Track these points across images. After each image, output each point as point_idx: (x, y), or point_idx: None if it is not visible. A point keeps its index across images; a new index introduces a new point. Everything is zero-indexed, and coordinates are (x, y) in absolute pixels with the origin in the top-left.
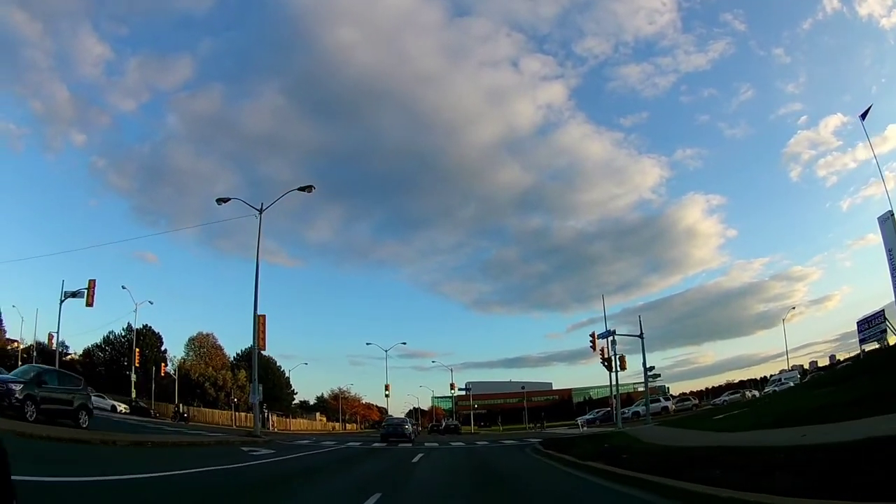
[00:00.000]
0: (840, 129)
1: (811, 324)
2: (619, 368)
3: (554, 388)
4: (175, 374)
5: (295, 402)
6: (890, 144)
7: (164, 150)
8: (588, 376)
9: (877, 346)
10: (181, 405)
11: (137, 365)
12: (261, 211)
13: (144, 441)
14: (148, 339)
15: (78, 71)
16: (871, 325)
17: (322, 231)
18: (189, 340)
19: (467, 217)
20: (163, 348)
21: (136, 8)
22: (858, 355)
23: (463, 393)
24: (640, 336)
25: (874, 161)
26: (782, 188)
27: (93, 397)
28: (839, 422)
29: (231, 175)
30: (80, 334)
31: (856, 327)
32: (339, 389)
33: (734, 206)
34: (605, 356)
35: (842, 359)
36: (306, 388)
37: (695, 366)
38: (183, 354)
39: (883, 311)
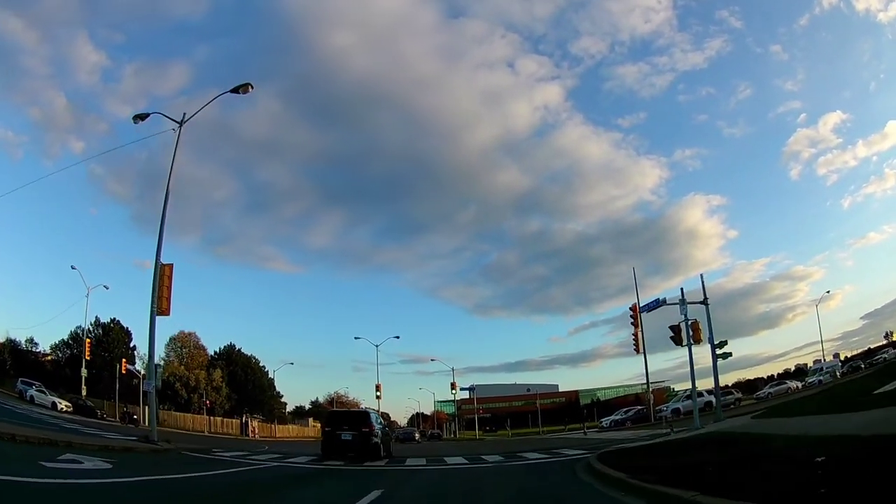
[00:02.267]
0: (840, 126)
1: (813, 323)
2: (691, 340)
3: (560, 390)
4: (141, 374)
5: (289, 407)
6: (890, 141)
7: (162, 158)
8: (592, 378)
9: None
10: (129, 406)
11: (89, 358)
12: (181, 123)
13: None
14: (115, 335)
15: (75, 78)
16: None
17: (322, 236)
18: (170, 340)
19: (466, 221)
20: (132, 345)
21: (132, 15)
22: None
23: (466, 396)
24: (704, 302)
25: (874, 159)
26: (783, 187)
27: (34, 393)
28: None
29: (230, 181)
30: (45, 323)
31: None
32: (336, 394)
33: (735, 206)
34: (639, 340)
35: (847, 356)
36: (307, 395)
37: (698, 367)
38: (163, 354)
39: None
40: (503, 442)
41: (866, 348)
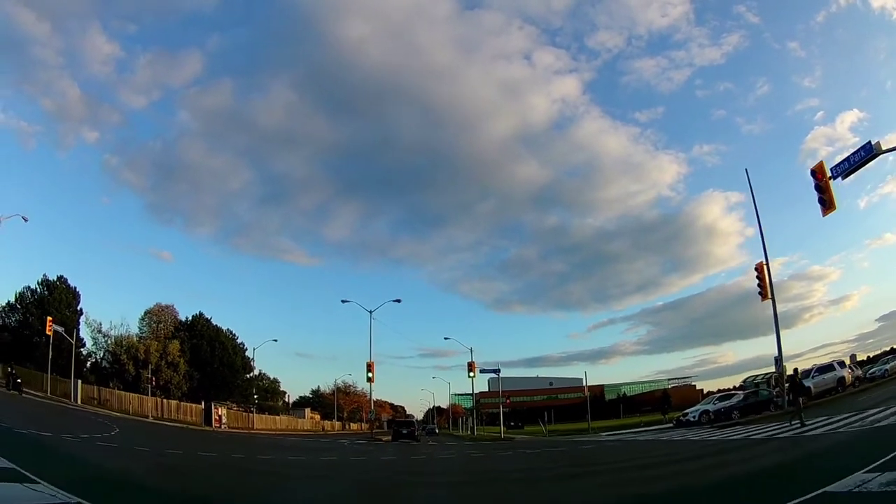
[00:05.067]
0: (856, 125)
1: (830, 324)
2: None
3: (583, 384)
4: (74, 342)
5: (293, 398)
6: None
7: (177, 147)
8: (611, 376)
9: None
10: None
11: None
12: None
13: None
14: (59, 295)
15: (88, 69)
16: None
17: (339, 229)
18: (144, 313)
19: (484, 214)
20: (79, 307)
21: (144, 6)
22: None
23: (485, 389)
24: None
25: (890, 158)
26: (800, 185)
27: None
28: None
29: (245, 171)
30: None
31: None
32: (343, 382)
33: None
34: (766, 278)
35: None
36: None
37: (715, 365)
38: (136, 329)
39: None
40: (560, 448)
41: (890, 348)
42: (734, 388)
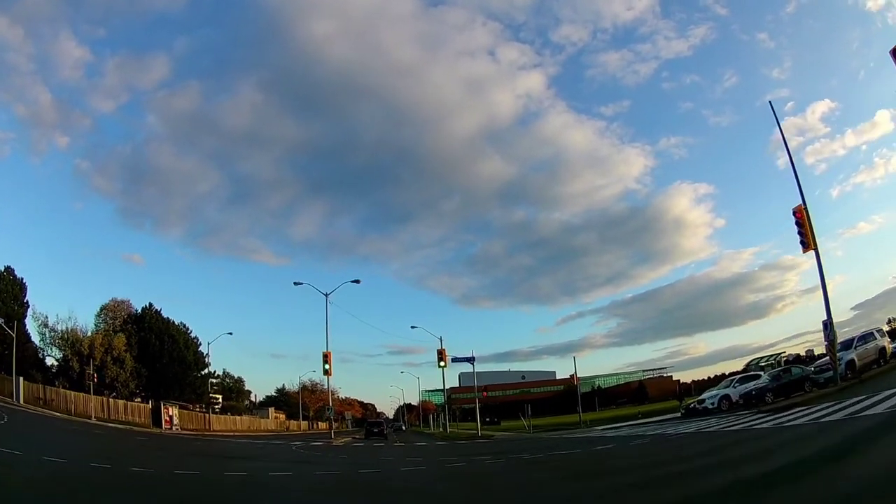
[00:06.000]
0: (828, 115)
1: (803, 313)
2: None
3: (557, 377)
4: (16, 335)
5: (260, 398)
6: (880, 130)
7: (146, 151)
8: (584, 368)
9: None
10: None
11: None
12: None
13: None
14: (4, 287)
15: (59, 74)
16: None
17: (306, 227)
18: (100, 309)
19: (450, 210)
20: (25, 300)
21: (113, 10)
22: None
23: (456, 384)
24: None
25: (863, 148)
26: (770, 176)
27: None
28: None
29: (213, 172)
30: None
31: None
32: (310, 381)
33: (722, 195)
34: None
35: None
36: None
37: (687, 357)
38: (92, 326)
39: None
40: (576, 450)
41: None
42: (721, 376)
